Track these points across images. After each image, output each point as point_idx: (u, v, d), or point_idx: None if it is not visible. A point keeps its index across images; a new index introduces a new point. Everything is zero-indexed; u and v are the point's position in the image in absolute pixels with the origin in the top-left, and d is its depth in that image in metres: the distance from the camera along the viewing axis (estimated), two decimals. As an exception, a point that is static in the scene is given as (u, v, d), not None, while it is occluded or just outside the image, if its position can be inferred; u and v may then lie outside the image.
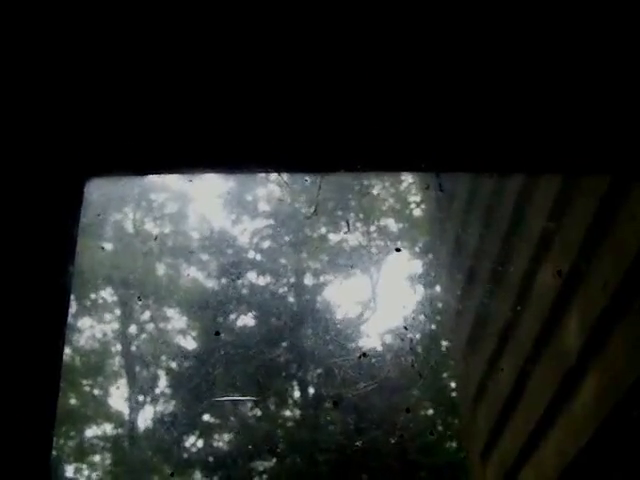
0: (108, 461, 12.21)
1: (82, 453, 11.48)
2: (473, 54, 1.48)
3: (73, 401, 11.32)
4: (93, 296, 10.41)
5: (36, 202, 1.32)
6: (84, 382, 11.19)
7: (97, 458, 12.13)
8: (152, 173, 1.40)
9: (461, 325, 7.44)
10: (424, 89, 1.45)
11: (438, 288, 11.19)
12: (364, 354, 3.48)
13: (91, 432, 11.86)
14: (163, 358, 12.42)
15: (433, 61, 1.46)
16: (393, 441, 11.12)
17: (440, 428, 12.65)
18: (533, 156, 1.48)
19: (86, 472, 11.82)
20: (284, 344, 12.41)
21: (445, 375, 11.96)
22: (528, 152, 1.46)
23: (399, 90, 1.44)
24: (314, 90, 1.45)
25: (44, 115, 1.35)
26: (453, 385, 11.75)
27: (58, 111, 1.35)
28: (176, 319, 12.64)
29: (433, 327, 12.27)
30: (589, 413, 4.70)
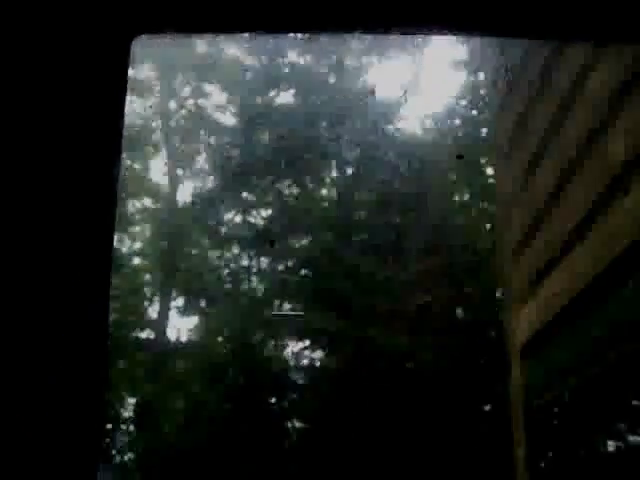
0: (148, 232, 12.57)
1: (124, 224, 11.78)
2: None
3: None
4: (131, 71, 10.27)
5: (80, 61, 1.24)
6: (124, 156, 11.31)
7: (137, 229, 12.48)
8: (202, 31, 1.29)
9: (505, 118, 7.30)
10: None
11: (482, 76, 10.90)
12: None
13: (131, 205, 12.12)
14: (202, 133, 12.46)
15: None
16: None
17: (474, 213, 12.78)
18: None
19: (128, 242, 12.19)
20: (324, 124, 12.35)
21: (483, 161, 11.95)
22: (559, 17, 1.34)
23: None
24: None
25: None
26: (490, 171, 11.75)
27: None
28: (216, 95, 12.54)
29: (474, 113, 12.10)
30: (628, 224, 4.68)
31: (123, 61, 1.31)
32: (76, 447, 1.22)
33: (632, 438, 5.67)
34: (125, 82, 1.31)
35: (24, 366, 1.20)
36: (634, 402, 5.41)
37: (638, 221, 4.63)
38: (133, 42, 1.32)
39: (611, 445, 6.00)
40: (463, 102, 12.11)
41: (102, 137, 1.29)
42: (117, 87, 1.31)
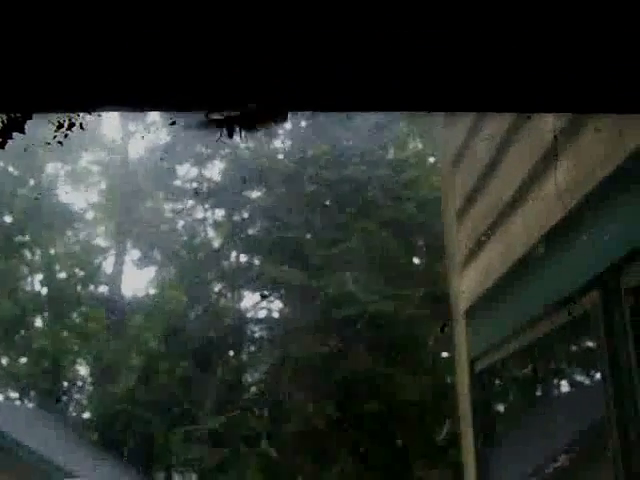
0: (102, 186, 12.50)
1: (76, 178, 11.69)
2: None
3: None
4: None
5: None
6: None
7: (91, 181, 12.38)
8: (100, 110, 1.30)
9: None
10: (423, 30, 1.35)
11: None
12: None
13: (85, 161, 12.01)
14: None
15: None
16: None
17: (430, 161, 12.81)
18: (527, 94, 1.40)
19: (81, 196, 12.13)
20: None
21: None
22: (522, 91, 1.38)
23: (401, 34, 1.34)
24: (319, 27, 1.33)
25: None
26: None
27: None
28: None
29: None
30: (559, 198, 4.76)
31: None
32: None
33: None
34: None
35: None
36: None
37: (568, 195, 4.72)
38: (27, 122, 1.33)
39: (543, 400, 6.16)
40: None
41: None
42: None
